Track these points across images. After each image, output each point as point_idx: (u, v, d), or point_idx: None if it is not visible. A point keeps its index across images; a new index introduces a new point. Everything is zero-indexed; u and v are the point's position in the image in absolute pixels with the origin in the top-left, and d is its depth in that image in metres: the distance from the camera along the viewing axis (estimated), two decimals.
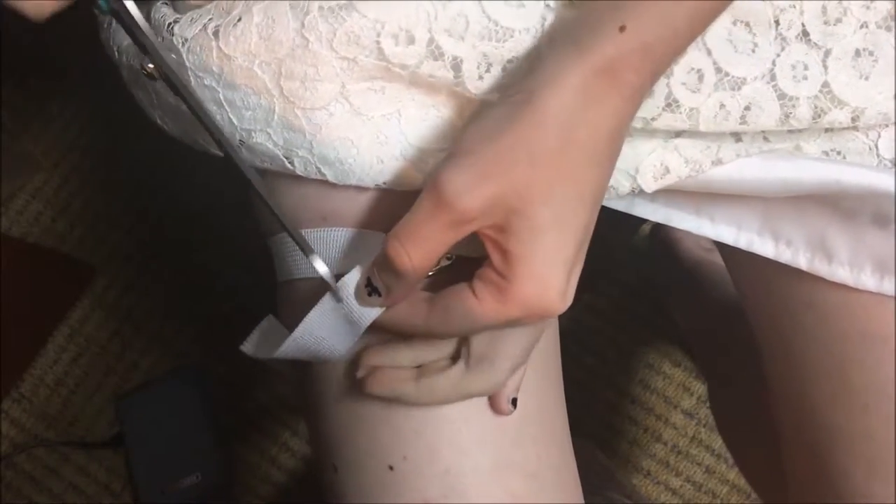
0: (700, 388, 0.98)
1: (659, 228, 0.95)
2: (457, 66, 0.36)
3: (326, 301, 0.37)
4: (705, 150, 0.40)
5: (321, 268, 0.36)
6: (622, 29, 0.31)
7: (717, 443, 0.96)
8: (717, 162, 0.40)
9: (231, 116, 0.39)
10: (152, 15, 0.40)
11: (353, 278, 0.36)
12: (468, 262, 0.36)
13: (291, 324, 0.42)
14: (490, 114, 0.33)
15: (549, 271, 0.32)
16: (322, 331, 0.37)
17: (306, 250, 0.36)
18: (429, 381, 0.37)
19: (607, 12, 0.31)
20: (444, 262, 0.37)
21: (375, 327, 0.37)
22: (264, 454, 1.02)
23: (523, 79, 0.32)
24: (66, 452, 1.05)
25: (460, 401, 0.38)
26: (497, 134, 0.32)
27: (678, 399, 0.98)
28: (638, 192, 0.40)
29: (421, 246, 0.32)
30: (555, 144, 0.31)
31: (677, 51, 0.32)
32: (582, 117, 0.31)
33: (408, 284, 0.34)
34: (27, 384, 1.06)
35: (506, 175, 0.31)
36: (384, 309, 0.36)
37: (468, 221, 0.32)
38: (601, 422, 0.98)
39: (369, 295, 0.35)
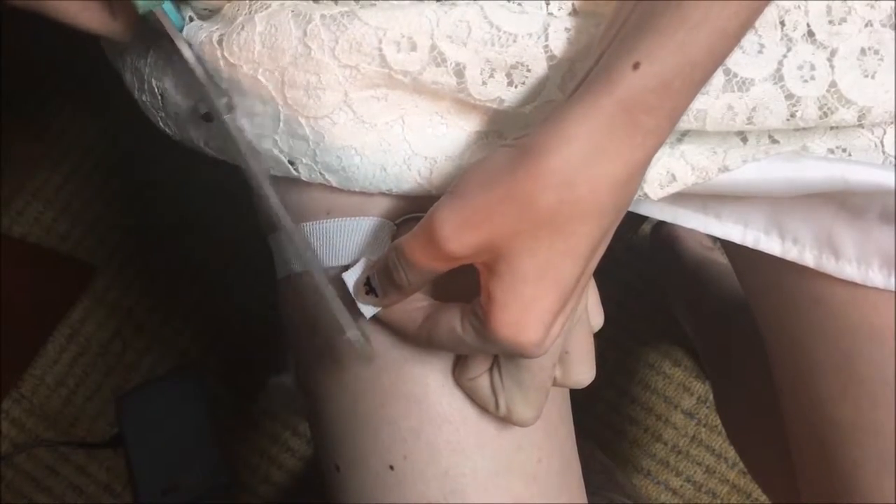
0: (700, 388, 0.98)
1: (659, 227, 0.95)
2: (460, 72, 0.36)
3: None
4: (711, 157, 0.40)
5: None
6: (636, 66, 0.30)
7: (717, 443, 0.97)
8: (724, 169, 0.40)
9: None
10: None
11: (355, 272, 0.37)
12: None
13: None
14: (494, 157, 0.32)
15: (525, 320, 0.32)
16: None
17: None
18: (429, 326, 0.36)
19: (621, 50, 0.30)
20: None
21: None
22: (264, 454, 1.02)
23: (537, 124, 0.32)
24: (66, 452, 1.05)
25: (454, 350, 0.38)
26: (495, 181, 0.31)
27: (678, 399, 0.98)
28: (644, 199, 0.40)
29: (414, 268, 0.33)
30: (551, 200, 0.30)
31: (696, 85, 0.31)
32: (585, 173, 0.30)
33: (402, 294, 0.35)
34: (27, 384, 1.06)
35: (494, 225, 0.31)
36: (380, 308, 0.37)
37: (457, 259, 0.32)
38: (601, 422, 0.98)
39: (367, 293, 0.36)
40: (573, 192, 0.30)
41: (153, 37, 0.42)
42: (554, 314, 0.32)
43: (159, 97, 0.42)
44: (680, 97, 0.31)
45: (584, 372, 0.39)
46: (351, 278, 0.37)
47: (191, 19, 0.40)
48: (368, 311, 0.37)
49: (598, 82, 0.30)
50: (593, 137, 0.30)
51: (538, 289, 0.31)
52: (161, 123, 0.44)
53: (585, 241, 0.32)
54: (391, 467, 0.39)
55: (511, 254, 0.31)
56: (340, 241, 0.39)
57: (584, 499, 0.43)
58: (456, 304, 0.35)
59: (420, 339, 0.36)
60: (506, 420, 0.38)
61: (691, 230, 0.92)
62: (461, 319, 0.34)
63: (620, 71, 0.30)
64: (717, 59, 0.31)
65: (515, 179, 0.31)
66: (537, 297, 0.32)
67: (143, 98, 0.44)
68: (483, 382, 0.38)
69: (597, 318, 0.40)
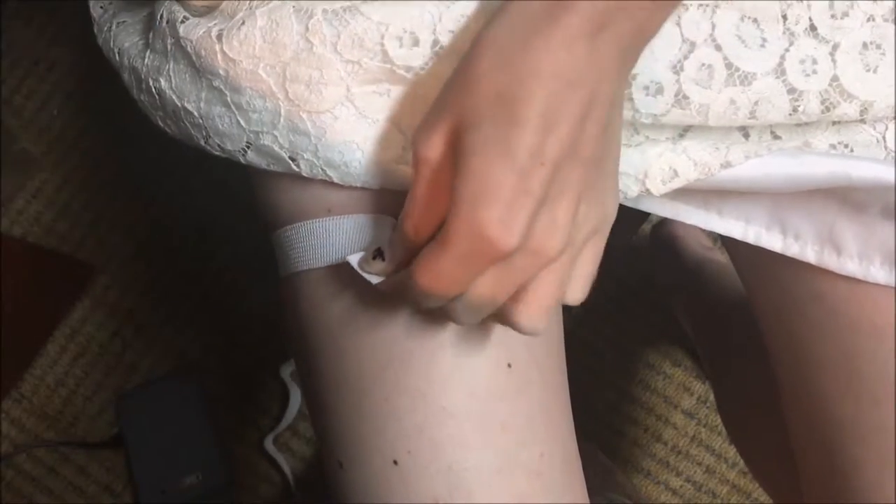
0: (700, 388, 0.98)
1: (659, 228, 0.95)
2: None
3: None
4: (714, 153, 0.40)
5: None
6: None
7: (717, 443, 0.97)
8: (726, 164, 0.40)
9: (239, 119, 0.39)
10: (161, 13, 0.40)
11: (358, 255, 0.37)
12: None
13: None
14: None
15: (480, 195, 0.30)
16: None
17: None
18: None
19: None
20: None
21: None
22: (264, 454, 1.02)
23: None
24: (66, 452, 1.05)
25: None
26: (448, 78, 0.32)
27: (678, 399, 0.98)
28: (646, 195, 0.40)
29: (416, 205, 0.33)
30: (485, 66, 0.30)
31: None
32: (517, 35, 0.30)
33: (409, 244, 0.34)
34: (27, 384, 1.06)
35: (446, 110, 0.31)
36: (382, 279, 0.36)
37: (435, 170, 0.32)
38: (601, 422, 0.98)
39: (374, 258, 0.36)
40: (505, 54, 0.30)
41: (150, 36, 0.42)
42: (510, 191, 0.30)
43: (157, 97, 0.42)
44: None
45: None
46: (355, 259, 0.37)
47: (186, 18, 0.40)
48: (373, 279, 0.36)
49: None
50: (526, 4, 0.30)
51: (487, 160, 0.30)
52: (160, 122, 0.44)
53: (527, 106, 0.30)
54: (395, 462, 0.39)
55: (465, 135, 0.31)
56: (342, 240, 0.39)
57: (585, 496, 0.43)
58: None
59: (406, 286, 0.34)
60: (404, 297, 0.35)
61: (691, 230, 0.92)
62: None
63: None
64: None
65: (461, 64, 0.31)
66: (490, 172, 0.30)
67: (142, 97, 0.44)
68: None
69: (577, 294, 0.37)
